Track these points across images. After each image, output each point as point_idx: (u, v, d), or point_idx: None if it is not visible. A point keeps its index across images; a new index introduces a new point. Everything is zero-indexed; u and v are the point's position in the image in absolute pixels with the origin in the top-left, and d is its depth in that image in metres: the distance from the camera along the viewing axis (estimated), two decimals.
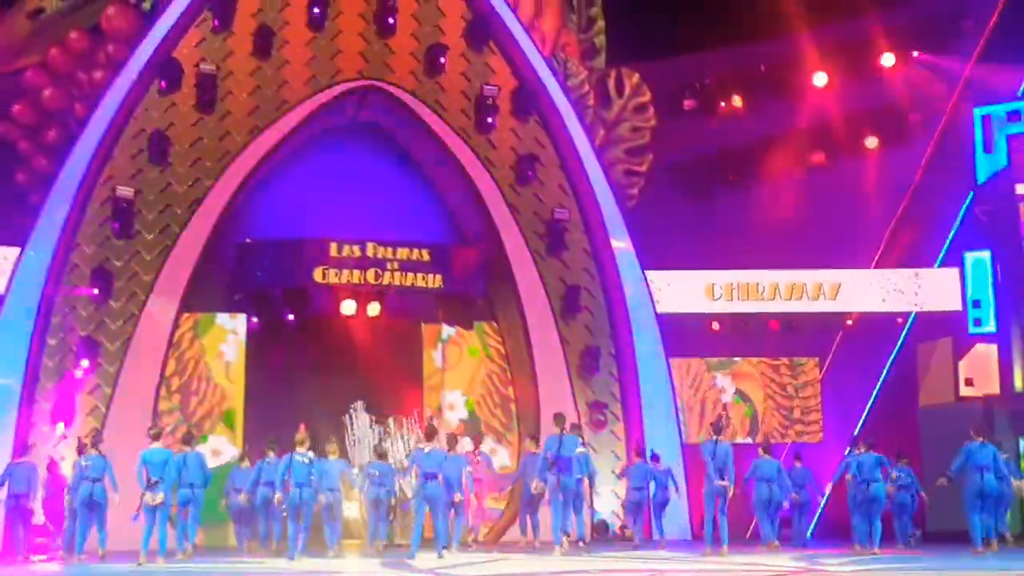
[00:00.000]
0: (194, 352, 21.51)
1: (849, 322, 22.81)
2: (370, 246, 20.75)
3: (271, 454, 17.07)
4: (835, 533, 20.72)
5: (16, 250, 19.63)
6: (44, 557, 17.14)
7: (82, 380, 19.76)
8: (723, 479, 16.40)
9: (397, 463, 19.27)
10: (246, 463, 18.49)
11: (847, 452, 19.60)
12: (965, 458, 16.40)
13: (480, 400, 22.60)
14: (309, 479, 16.04)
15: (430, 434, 16.49)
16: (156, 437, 15.78)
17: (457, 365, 22.74)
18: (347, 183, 22.13)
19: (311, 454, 16.30)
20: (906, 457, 19.24)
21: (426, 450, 16.15)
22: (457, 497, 16.76)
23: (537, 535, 18.44)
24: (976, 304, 21.82)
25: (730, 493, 16.58)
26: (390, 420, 20.55)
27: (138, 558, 14.97)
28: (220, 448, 20.66)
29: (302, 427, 16.53)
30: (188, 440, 16.57)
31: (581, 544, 17.09)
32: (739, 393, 23.41)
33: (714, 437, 16.79)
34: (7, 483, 16.90)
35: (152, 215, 20.39)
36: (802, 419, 23.31)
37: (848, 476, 17.11)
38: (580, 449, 17.03)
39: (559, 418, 16.77)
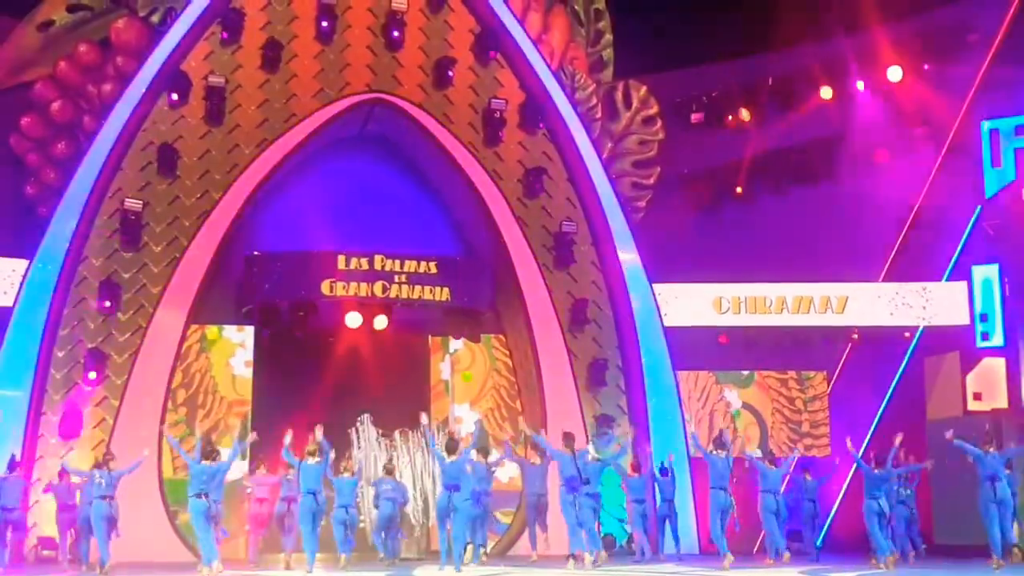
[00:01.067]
0: (201, 364, 21.58)
1: (855, 336, 22.72)
2: (378, 259, 20.75)
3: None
4: (844, 546, 20.66)
5: (25, 262, 19.70)
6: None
7: (89, 392, 19.78)
8: (727, 492, 16.42)
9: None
10: (262, 470, 18.50)
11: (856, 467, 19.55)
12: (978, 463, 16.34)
13: (488, 413, 22.61)
14: (321, 484, 16.02)
15: (451, 448, 16.45)
16: (207, 456, 15.69)
17: (464, 377, 22.75)
18: (355, 196, 22.18)
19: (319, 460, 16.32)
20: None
21: (448, 461, 16.17)
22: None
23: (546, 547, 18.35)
24: (984, 318, 21.73)
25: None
26: (396, 433, 20.52)
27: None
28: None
29: (311, 437, 16.45)
30: (212, 457, 16.51)
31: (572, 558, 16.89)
32: (747, 406, 23.39)
33: (720, 453, 16.76)
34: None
35: (160, 227, 20.44)
36: (811, 432, 23.27)
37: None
38: (592, 455, 17.05)
39: (569, 439, 16.68)
